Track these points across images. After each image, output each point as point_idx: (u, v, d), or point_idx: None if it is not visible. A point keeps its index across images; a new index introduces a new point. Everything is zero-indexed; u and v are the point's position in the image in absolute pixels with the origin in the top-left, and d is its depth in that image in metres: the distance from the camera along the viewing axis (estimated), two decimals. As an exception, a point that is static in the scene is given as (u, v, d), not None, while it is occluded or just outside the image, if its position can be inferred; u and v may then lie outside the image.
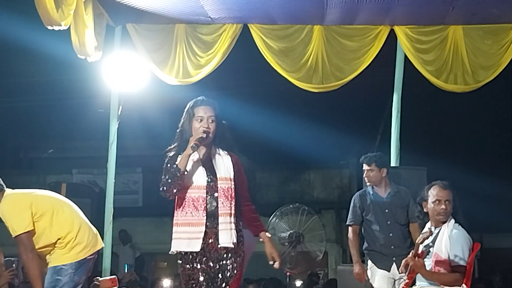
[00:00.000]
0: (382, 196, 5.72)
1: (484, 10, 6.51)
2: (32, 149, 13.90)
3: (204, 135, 3.85)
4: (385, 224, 5.65)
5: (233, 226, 3.86)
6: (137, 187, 12.79)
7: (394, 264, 5.51)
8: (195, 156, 3.90)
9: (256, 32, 6.90)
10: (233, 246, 3.84)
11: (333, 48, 6.94)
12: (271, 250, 3.92)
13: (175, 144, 3.96)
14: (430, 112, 11.59)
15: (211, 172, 3.92)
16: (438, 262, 4.32)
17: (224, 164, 3.94)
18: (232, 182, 3.91)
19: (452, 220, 4.47)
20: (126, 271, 10.54)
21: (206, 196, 3.86)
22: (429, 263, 4.37)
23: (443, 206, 4.43)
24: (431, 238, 4.41)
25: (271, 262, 3.92)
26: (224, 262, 3.87)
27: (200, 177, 3.89)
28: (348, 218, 5.83)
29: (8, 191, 4.54)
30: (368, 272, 5.72)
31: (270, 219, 6.79)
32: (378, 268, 5.62)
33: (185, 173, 3.82)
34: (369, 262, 5.73)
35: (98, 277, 5.19)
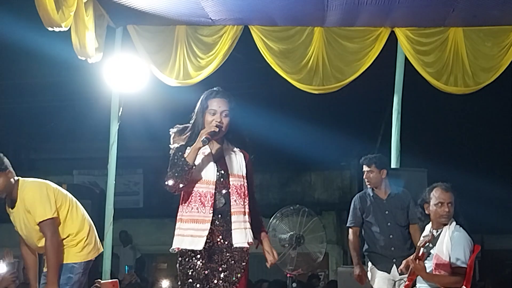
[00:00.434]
0: (382, 198, 5.73)
1: (484, 12, 6.52)
2: (33, 150, 13.90)
3: (217, 129, 3.64)
4: (385, 225, 5.65)
5: (247, 225, 3.68)
6: (138, 188, 12.80)
7: (394, 265, 5.51)
8: (205, 149, 3.70)
9: (256, 34, 6.91)
10: (248, 246, 3.65)
11: (333, 50, 6.95)
12: (271, 249, 3.82)
13: (187, 135, 3.78)
14: (430, 114, 11.59)
15: (223, 168, 3.73)
16: (439, 264, 4.32)
17: (237, 161, 3.75)
18: (245, 180, 3.73)
19: (453, 222, 4.47)
20: (126, 272, 10.54)
21: (215, 192, 3.66)
22: (429, 264, 4.37)
23: (446, 209, 4.43)
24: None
25: (269, 264, 3.80)
26: (227, 265, 3.66)
27: (210, 172, 3.68)
28: (348, 220, 5.84)
29: (23, 179, 4.51)
30: (368, 273, 5.72)
31: (270, 220, 6.78)
32: (378, 269, 5.63)
33: (194, 167, 3.61)
34: (369, 263, 5.73)
35: (99, 280, 5.19)
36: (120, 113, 6.88)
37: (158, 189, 3.67)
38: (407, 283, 4.54)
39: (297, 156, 11.37)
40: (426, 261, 4.37)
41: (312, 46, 6.92)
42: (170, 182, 3.59)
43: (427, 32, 6.94)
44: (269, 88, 10.76)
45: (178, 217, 3.69)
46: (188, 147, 3.67)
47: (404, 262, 4.63)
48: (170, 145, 3.74)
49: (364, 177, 5.76)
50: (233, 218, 3.65)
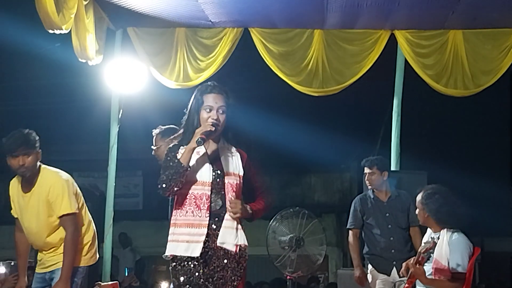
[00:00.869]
0: (383, 200, 5.73)
1: (484, 14, 6.52)
2: (33, 152, 13.87)
3: (213, 128, 3.39)
4: (386, 228, 5.65)
5: (240, 226, 3.42)
6: (137, 190, 12.80)
7: (394, 268, 5.51)
8: (200, 149, 3.44)
9: (256, 36, 6.92)
10: (234, 249, 3.38)
11: (333, 52, 6.96)
12: (237, 203, 3.43)
13: (180, 132, 3.55)
14: (430, 116, 11.59)
15: (219, 168, 3.47)
16: (438, 269, 4.31)
17: (233, 159, 3.50)
18: (241, 180, 3.48)
19: (451, 226, 4.46)
20: (126, 274, 10.53)
21: (211, 194, 3.40)
22: (428, 268, 4.37)
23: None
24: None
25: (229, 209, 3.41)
26: (223, 272, 3.40)
27: (205, 173, 3.43)
28: (349, 222, 5.83)
29: (46, 166, 4.37)
30: (369, 276, 5.72)
31: (270, 222, 6.78)
32: (378, 272, 5.63)
33: (188, 169, 3.36)
34: (369, 266, 5.73)
35: (99, 282, 5.17)
36: (120, 115, 6.89)
37: (158, 191, 3.52)
38: (406, 285, 4.53)
39: (297, 158, 11.37)
40: (425, 264, 4.36)
41: (312, 48, 6.93)
42: (164, 185, 3.35)
43: (427, 35, 6.95)
44: (269, 91, 10.76)
45: (172, 222, 3.45)
46: (182, 147, 3.45)
47: (404, 265, 4.63)
48: (152, 147, 3.58)
49: (365, 179, 5.76)
50: (226, 216, 3.40)
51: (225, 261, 3.40)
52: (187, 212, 3.39)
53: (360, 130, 11.35)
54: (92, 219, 4.63)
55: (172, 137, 3.58)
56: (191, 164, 3.39)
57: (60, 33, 5.30)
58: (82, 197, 4.54)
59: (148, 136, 4.65)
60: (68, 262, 4.22)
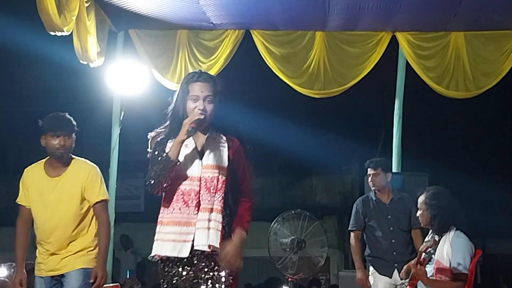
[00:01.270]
0: (385, 202, 5.71)
1: (486, 16, 6.53)
2: (34, 154, 13.90)
3: (202, 117, 3.15)
4: (388, 230, 5.64)
5: (213, 225, 3.10)
6: (139, 192, 12.80)
7: (396, 270, 5.50)
8: (189, 142, 3.21)
9: (258, 38, 6.93)
10: (208, 250, 3.09)
11: (335, 54, 6.96)
12: (232, 248, 3.09)
13: (166, 125, 3.29)
14: (431, 118, 11.59)
15: None
16: (439, 270, 4.31)
17: (216, 150, 3.21)
18: (222, 172, 3.17)
19: (454, 228, 4.46)
20: (127, 276, 10.54)
21: (200, 190, 3.16)
22: (430, 269, 4.37)
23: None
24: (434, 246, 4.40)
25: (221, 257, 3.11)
26: (212, 273, 3.15)
27: (193, 167, 3.18)
28: (350, 223, 5.82)
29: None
30: (370, 278, 5.71)
31: (271, 224, 6.80)
32: (380, 274, 5.62)
33: (178, 163, 3.14)
34: (371, 268, 5.72)
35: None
36: (121, 117, 6.89)
37: (146, 188, 3.28)
38: (408, 287, 4.53)
39: (298, 160, 11.37)
40: (427, 266, 4.36)
41: (313, 50, 6.93)
42: (153, 182, 3.13)
43: (428, 37, 6.95)
44: (270, 92, 10.77)
45: (158, 220, 3.20)
46: (170, 140, 3.21)
47: (405, 267, 4.63)
48: (148, 150, 3.35)
49: (369, 180, 5.71)
50: (199, 215, 3.12)
51: (213, 263, 3.15)
52: (174, 209, 3.16)
53: (362, 132, 11.35)
54: None
55: (157, 129, 3.32)
56: (180, 158, 3.17)
57: (62, 35, 5.31)
58: None
59: (149, 138, 4.61)
60: (104, 249, 4.19)
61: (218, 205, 3.13)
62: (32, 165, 4.41)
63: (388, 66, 7.23)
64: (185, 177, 3.17)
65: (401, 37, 6.95)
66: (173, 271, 3.18)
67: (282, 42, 6.97)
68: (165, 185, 3.13)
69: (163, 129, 3.29)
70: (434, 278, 4.32)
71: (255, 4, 6.39)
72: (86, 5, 5.83)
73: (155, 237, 3.18)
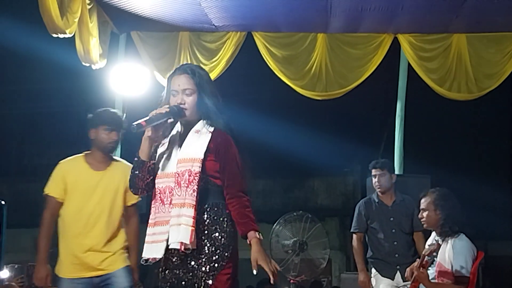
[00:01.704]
0: (388, 204, 5.70)
1: (488, 18, 6.53)
2: (36, 156, 13.93)
3: (163, 111, 2.98)
4: (390, 232, 5.63)
5: (184, 220, 2.88)
6: (140, 194, 12.79)
7: (398, 272, 5.50)
8: (174, 137, 3.06)
9: (260, 40, 6.93)
10: (178, 247, 2.89)
11: (336, 56, 6.96)
12: (256, 255, 2.86)
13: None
14: (433, 120, 11.59)
15: None
16: (441, 272, 4.31)
17: (195, 143, 2.99)
18: (196, 164, 2.92)
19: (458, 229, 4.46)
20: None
21: (174, 186, 2.95)
22: (432, 271, 4.36)
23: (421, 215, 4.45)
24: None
25: (255, 271, 2.87)
26: (193, 273, 2.93)
27: (171, 164, 3.00)
28: (353, 225, 5.81)
29: None
30: (372, 280, 5.71)
31: (273, 226, 6.79)
32: (382, 276, 5.61)
33: (149, 162, 2.99)
34: (373, 270, 5.72)
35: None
36: (123, 119, 6.88)
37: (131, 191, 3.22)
38: (410, 289, 4.53)
39: (300, 162, 11.37)
40: (428, 269, 4.36)
41: (315, 52, 6.94)
42: (129, 183, 3.04)
43: (430, 38, 6.95)
44: (272, 94, 10.77)
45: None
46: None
47: (408, 269, 4.61)
48: None
49: (375, 180, 5.66)
50: (172, 212, 2.94)
51: (188, 259, 2.94)
52: (154, 209, 3.03)
53: (364, 134, 11.36)
54: None
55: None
56: (158, 154, 3.04)
57: (64, 37, 5.32)
58: None
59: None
60: (137, 250, 4.17)
61: (189, 199, 2.90)
62: (68, 158, 4.30)
63: (390, 68, 7.23)
64: (161, 175, 3.01)
65: (403, 39, 6.95)
66: (162, 275, 3.02)
67: (284, 44, 6.97)
68: (141, 185, 3.02)
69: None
70: (436, 281, 4.31)
71: (256, 6, 6.39)
72: (89, 7, 5.84)
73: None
